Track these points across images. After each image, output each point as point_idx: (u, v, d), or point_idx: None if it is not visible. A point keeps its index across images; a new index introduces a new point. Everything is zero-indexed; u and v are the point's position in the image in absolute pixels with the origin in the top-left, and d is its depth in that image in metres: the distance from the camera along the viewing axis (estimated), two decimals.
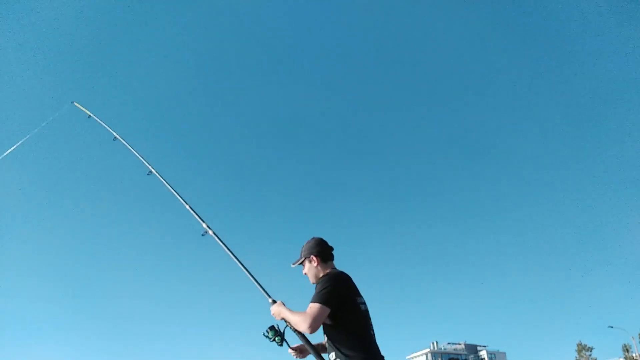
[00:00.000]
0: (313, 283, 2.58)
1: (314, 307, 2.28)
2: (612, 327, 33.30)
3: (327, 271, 2.53)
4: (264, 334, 2.59)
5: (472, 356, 58.77)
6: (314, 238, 2.67)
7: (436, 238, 78.36)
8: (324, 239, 2.67)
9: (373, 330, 2.41)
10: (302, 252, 2.66)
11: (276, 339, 2.57)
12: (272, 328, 2.60)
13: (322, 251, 2.59)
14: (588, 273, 67.34)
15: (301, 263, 2.65)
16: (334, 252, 2.64)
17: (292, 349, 2.61)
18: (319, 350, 2.47)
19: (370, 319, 2.43)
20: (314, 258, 2.57)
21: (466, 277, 77.32)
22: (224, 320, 66.33)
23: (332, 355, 2.37)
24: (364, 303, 2.43)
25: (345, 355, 2.27)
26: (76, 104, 4.61)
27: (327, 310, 2.27)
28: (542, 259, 73.05)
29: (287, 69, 72.03)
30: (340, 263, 2.63)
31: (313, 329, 2.26)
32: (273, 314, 2.58)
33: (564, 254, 71.55)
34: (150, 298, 67.75)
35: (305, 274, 2.63)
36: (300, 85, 73.90)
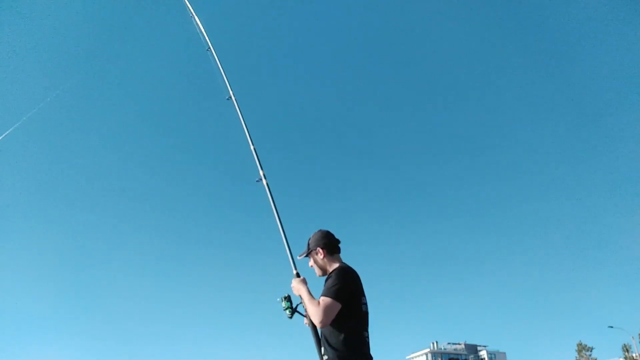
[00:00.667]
0: (319, 275, 2.58)
1: (328, 302, 2.27)
2: (612, 327, 33.38)
3: (337, 265, 2.51)
4: (278, 300, 2.61)
5: (472, 356, 58.74)
6: (320, 230, 2.65)
7: (436, 238, 78.58)
8: (331, 231, 2.65)
9: (368, 332, 2.39)
10: (308, 244, 2.64)
11: (287, 310, 2.59)
12: (287, 298, 2.62)
13: (329, 243, 2.57)
14: (588, 273, 67.61)
15: (307, 255, 2.64)
16: (340, 246, 2.62)
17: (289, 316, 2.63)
18: (320, 340, 2.46)
19: (368, 321, 2.42)
20: (321, 250, 2.55)
21: (466, 277, 77.63)
22: (224, 320, 66.21)
23: (322, 349, 2.39)
24: (366, 304, 2.43)
25: (334, 351, 2.28)
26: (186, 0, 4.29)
27: (339, 306, 2.27)
28: (542, 259, 73.21)
29: (288, 69, 72.17)
30: (343, 259, 2.60)
31: (324, 324, 2.27)
32: (293, 287, 2.57)
33: (564, 253, 71.82)
34: (151, 298, 67.63)
35: (312, 266, 2.62)
36: (301, 85, 74.02)
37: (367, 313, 2.41)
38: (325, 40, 72.57)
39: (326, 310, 2.25)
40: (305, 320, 2.60)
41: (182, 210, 75.22)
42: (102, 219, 69.79)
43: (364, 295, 2.42)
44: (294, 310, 2.60)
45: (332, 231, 2.63)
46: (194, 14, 4.25)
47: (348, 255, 2.58)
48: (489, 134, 74.86)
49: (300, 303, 2.56)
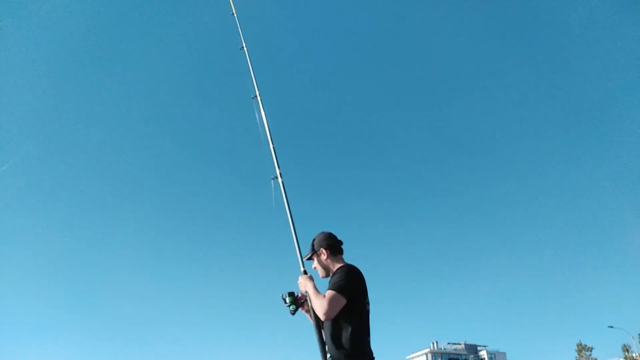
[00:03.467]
0: (322, 277, 2.60)
1: (333, 295, 2.30)
2: (612, 327, 33.33)
3: (341, 264, 2.55)
4: (281, 296, 2.62)
5: (472, 356, 58.78)
6: (322, 232, 2.68)
7: (436, 238, 78.47)
8: (334, 233, 2.68)
9: (369, 332, 2.42)
10: (311, 246, 2.67)
11: (291, 306, 2.60)
12: (291, 294, 2.63)
13: (332, 244, 2.60)
14: (588, 273, 67.67)
15: (310, 257, 2.67)
16: (343, 247, 2.64)
17: (300, 304, 2.63)
18: (322, 338, 2.47)
19: (369, 321, 2.44)
20: (324, 251, 2.58)
21: (466, 277, 77.50)
22: (226, 320, 66.29)
23: (326, 348, 2.40)
24: (369, 303, 2.46)
25: (339, 350, 2.29)
26: None
27: (344, 301, 2.29)
28: (542, 258, 73.20)
29: (288, 69, 72.23)
30: (345, 260, 2.62)
31: (329, 316, 2.29)
32: (299, 283, 2.60)
33: (564, 254, 71.78)
34: (152, 297, 67.62)
35: (315, 267, 2.64)
36: (300, 85, 74.11)
37: (368, 313, 2.45)
38: (325, 39, 72.64)
39: (331, 302, 2.28)
40: (309, 316, 2.62)
41: (185, 209, 75.18)
42: (102, 219, 69.81)
43: (367, 296, 2.45)
44: (297, 306, 2.62)
45: (334, 231, 2.67)
46: (234, 11, 4.36)
47: (350, 255, 2.62)
48: (489, 133, 74.77)
49: (305, 300, 2.58)
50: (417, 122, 77.52)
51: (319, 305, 2.32)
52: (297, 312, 2.64)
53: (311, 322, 2.57)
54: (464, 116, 74.19)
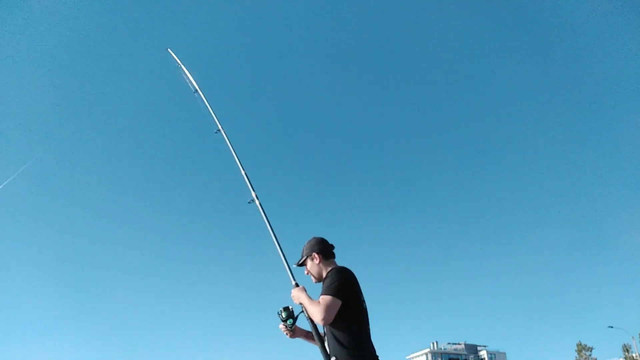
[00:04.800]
0: (315, 282, 2.61)
1: (328, 299, 2.31)
2: (612, 327, 33.35)
3: (333, 266, 2.56)
4: (277, 313, 2.61)
5: (472, 356, 58.81)
6: (314, 237, 2.70)
7: (436, 237, 78.42)
8: (325, 238, 2.70)
9: (370, 330, 2.44)
10: (303, 251, 2.69)
11: (288, 321, 2.59)
12: (286, 309, 2.62)
13: (324, 249, 2.63)
14: (588, 273, 67.64)
15: (303, 262, 2.68)
16: (334, 251, 2.66)
17: (285, 327, 2.62)
18: (324, 344, 2.47)
19: (368, 319, 2.46)
20: (316, 255, 2.60)
21: (466, 277, 77.48)
22: (226, 320, 66.38)
23: (329, 350, 2.40)
24: (365, 301, 2.48)
25: (344, 350, 2.30)
26: (169, 50, 4.64)
27: (340, 303, 2.30)
28: (542, 258, 73.25)
29: (287, 68, 72.19)
30: (341, 262, 2.66)
31: (327, 321, 2.30)
32: (293, 296, 2.61)
33: (564, 253, 71.78)
34: (151, 297, 67.73)
35: (307, 273, 2.65)
36: (298, 84, 74.06)
37: (366, 310, 2.46)
38: (324, 39, 72.51)
39: (327, 307, 2.29)
40: (281, 326, 2.62)
41: (188, 209, 75.26)
42: (104, 219, 69.87)
43: (362, 294, 2.47)
44: (294, 320, 2.61)
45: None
46: (180, 63, 4.56)
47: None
48: (489, 132, 74.76)
49: (302, 312, 2.58)
50: (416, 120, 77.48)
51: (315, 311, 2.33)
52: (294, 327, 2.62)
53: (311, 329, 2.56)
54: (464, 115, 74.22)
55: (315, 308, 2.34)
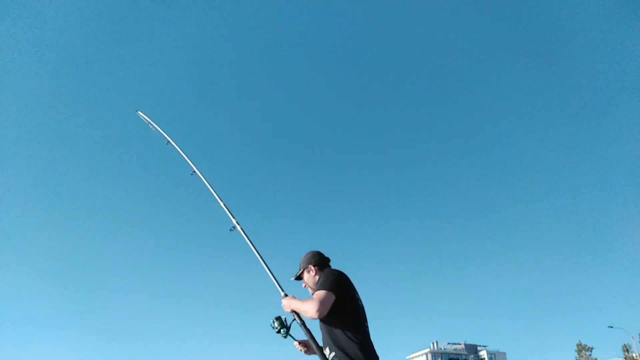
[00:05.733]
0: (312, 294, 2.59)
1: (321, 293, 2.32)
2: (612, 327, 33.32)
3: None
4: (270, 324, 2.63)
5: (472, 356, 58.85)
6: (310, 251, 2.73)
7: (436, 237, 78.49)
8: (321, 251, 2.73)
9: (368, 326, 2.45)
10: (300, 265, 2.71)
11: (282, 330, 2.59)
12: (278, 318, 2.63)
13: (319, 261, 2.65)
14: (588, 273, 67.57)
15: (300, 275, 2.71)
16: (330, 264, 2.68)
17: (299, 342, 2.67)
18: (321, 347, 2.47)
19: (366, 316, 2.47)
20: (312, 268, 2.63)
21: (466, 277, 77.47)
22: (224, 320, 66.42)
23: (327, 350, 2.39)
24: (361, 300, 2.49)
25: (341, 349, 2.29)
26: (140, 113, 4.86)
27: (334, 297, 2.31)
28: (542, 258, 73.18)
29: (285, 68, 72.07)
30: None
31: (321, 313, 2.28)
32: (284, 305, 2.62)
33: (563, 253, 71.66)
34: (152, 297, 67.73)
35: (305, 286, 2.68)
36: (297, 84, 73.96)
37: (363, 308, 2.47)
38: (323, 38, 72.38)
39: (321, 300, 2.29)
40: (295, 343, 2.66)
41: (186, 210, 75.22)
42: (103, 219, 69.87)
43: (357, 292, 2.49)
44: (287, 329, 2.61)
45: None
46: (150, 121, 4.73)
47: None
48: (489, 132, 74.67)
49: (294, 320, 2.58)
50: (415, 120, 77.38)
51: (310, 305, 2.32)
52: (288, 336, 2.63)
53: (305, 334, 2.56)
54: (463, 115, 74.07)
55: (309, 303, 2.34)
